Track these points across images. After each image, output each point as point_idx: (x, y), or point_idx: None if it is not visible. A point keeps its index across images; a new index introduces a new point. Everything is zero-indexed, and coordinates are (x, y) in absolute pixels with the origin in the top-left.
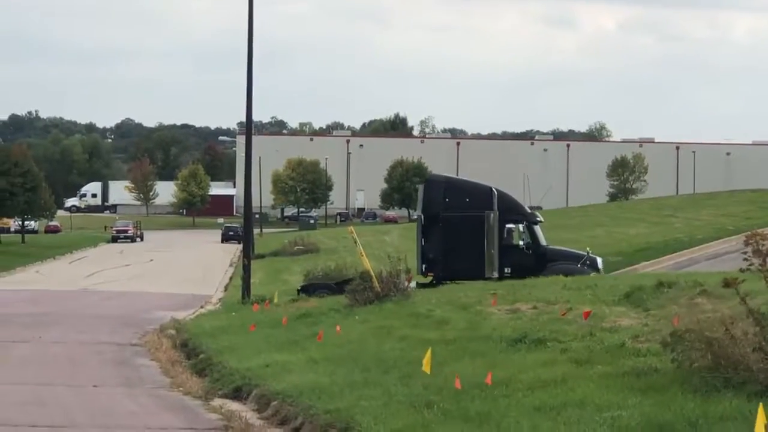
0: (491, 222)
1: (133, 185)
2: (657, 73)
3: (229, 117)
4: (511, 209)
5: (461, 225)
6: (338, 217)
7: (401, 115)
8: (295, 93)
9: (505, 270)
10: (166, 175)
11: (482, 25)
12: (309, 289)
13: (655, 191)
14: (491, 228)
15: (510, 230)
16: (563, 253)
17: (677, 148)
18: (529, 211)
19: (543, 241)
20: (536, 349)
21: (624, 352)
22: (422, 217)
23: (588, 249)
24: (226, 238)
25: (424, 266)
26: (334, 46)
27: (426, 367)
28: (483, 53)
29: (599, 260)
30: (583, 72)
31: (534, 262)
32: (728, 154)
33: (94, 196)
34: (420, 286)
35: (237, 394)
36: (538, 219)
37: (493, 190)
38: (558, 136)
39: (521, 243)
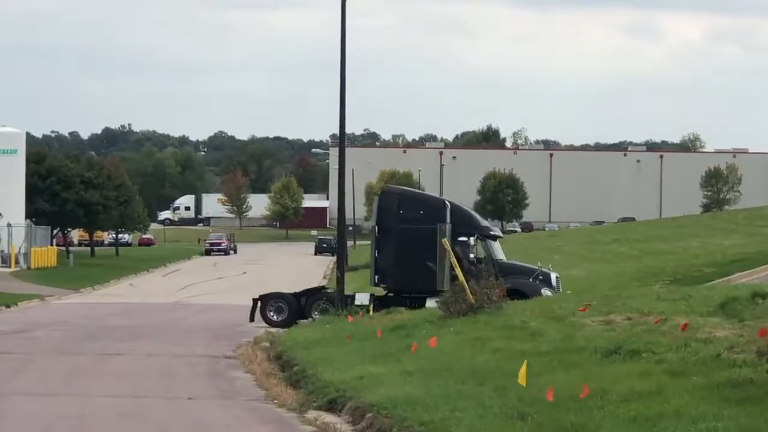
0: (444, 235)
1: (226, 198)
2: (746, 83)
3: (322, 129)
4: (464, 222)
5: (414, 237)
6: None
7: (493, 126)
8: (387, 105)
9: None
10: (260, 188)
11: (566, 35)
12: (265, 298)
13: (748, 202)
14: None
15: (463, 243)
16: (517, 268)
17: None
18: (483, 224)
19: (497, 256)
20: (631, 361)
21: (719, 363)
22: (376, 228)
23: (539, 263)
24: (319, 251)
25: (376, 277)
26: (422, 57)
27: (522, 379)
28: (569, 63)
29: (553, 275)
30: (673, 82)
31: (487, 276)
32: None
33: (187, 209)
34: (376, 298)
35: (331, 406)
36: (492, 233)
37: (446, 202)
38: (651, 147)
39: (472, 256)
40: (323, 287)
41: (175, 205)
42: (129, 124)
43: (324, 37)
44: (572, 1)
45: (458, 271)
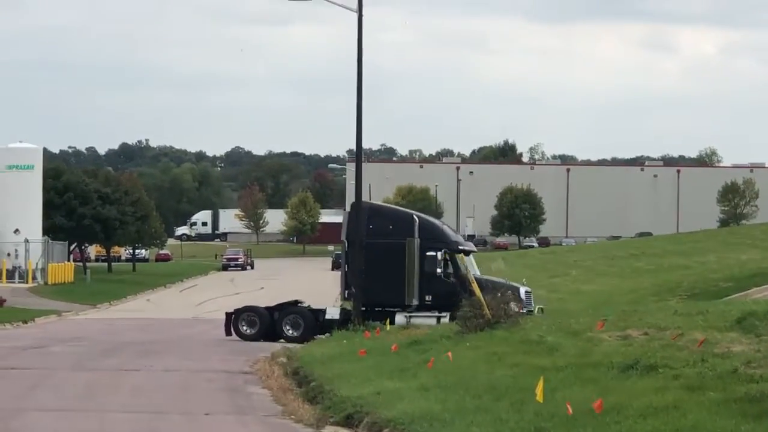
0: (412, 249)
1: (243, 213)
2: (763, 97)
3: (339, 144)
4: (432, 237)
5: (383, 252)
6: None
7: (510, 141)
8: (403, 120)
9: (426, 298)
10: (276, 203)
11: (582, 50)
12: (238, 312)
13: (766, 216)
14: (412, 255)
15: (431, 258)
16: (486, 283)
17: None
18: (453, 239)
19: (467, 270)
20: (648, 376)
21: (736, 378)
22: (346, 243)
23: (506, 278)
24: (337, 266)
25: (346, 292)
26: (439, 72)
27: (539, 395)
28: (584, 77)
29: (523, 290)
30: (690, 96)
31: (454, 290)
32: None
33: (204, 224)
34: (347, 312)
35: (348, 422)
36: (462, 248)
37: (415, 217)
38: (668, 161)
39: (438, 271)
40: (297, 302)
41: (192, 221)
42: (146, 140)
43: (340, 52)
44: (588, 16)
45: (475, 287)
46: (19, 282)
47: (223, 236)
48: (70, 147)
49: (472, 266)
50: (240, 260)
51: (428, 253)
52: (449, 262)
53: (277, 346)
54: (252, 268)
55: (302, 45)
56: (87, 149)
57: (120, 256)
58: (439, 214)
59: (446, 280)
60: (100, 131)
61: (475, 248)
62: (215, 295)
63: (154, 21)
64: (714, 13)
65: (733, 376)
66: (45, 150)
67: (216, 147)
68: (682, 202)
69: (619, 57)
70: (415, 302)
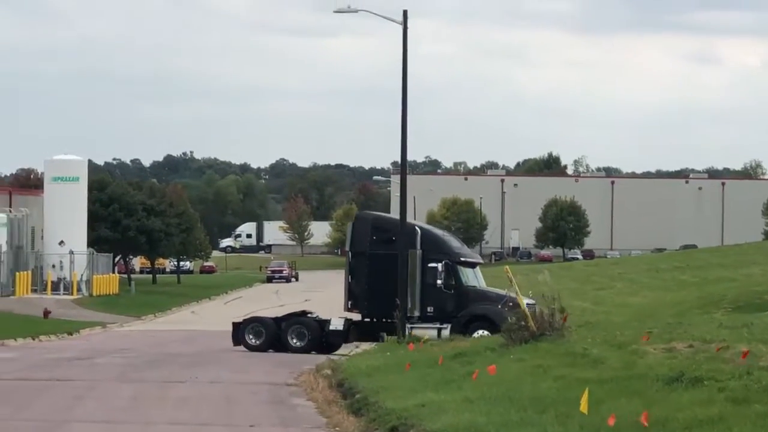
0: (414, 260)
1: (287, 225)
2: None
3: (384, 157)
4: (434, 248)
5: (386, 263)
6: (493, 256)
7: (554, 153)
8: (448, 132)
9: (428, 309)
10: (321, 215)
11: (625, 62)
12: (246, 322)
13: None
14: (414, 267)
15: (432, 269)
16: (487, 295)
17: None
18: (455, 251)
19: (470, 282)
20: (693, 388)
21: None
22: (350, 253)
23: (507, 290)
24: None
25: (350, 303)
26: (483, 84)
27: (583, 407)
28: (629, 90)
29: (524, 302)
30: (734, 108)
31: (455, 302)
32: None
33: (249, 236)
34: (352, 323)
35: None
36: (464, 259)
37: (417, 228)
38: (713, 174)
39: (439, 282)
40: (306, 312)
41: (236, 233)
42: (191, 152)
43: (384, 64)
44: (630, 29)
45: (520, 299)
46: (64, 294)
47: (268, 248)
48: (114, 159)
49: (476, 278)
50: (285, 272)
51: (429, 265)
52: (451, 274)
53: (321, 358)
54: (297, 280)
55: (347, 56)
56: (132, 161)
57: (164, 268)
58: (483, 227)
59: (447, 291)
60: (144, 143)
61: (481, 260)
62: (260, 307)
63: (201, 32)
64: (758, 26)
65: None
66: (90, 162)
67: (260, 159)
68: (726, 215)
69: (662, 69)
70: (416, 313)
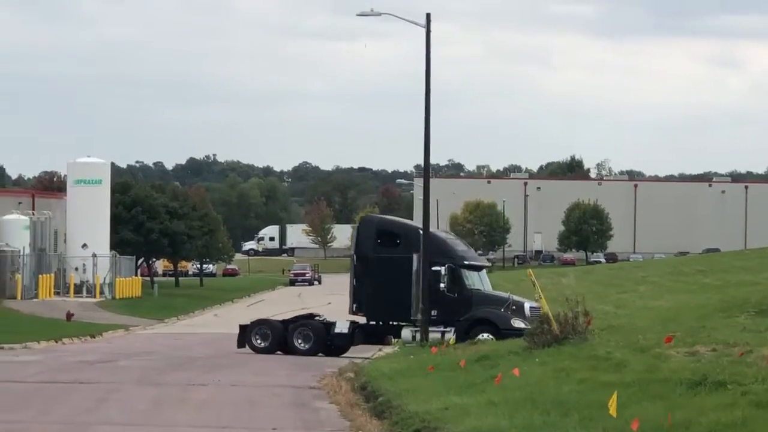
0: (418, 264)
1: (310, 228)
2: None
3: (407, 160)
4: (438, 251)
5: (390, 266)
6: (516, 259)
7: (577, 157)
8: (471, 135)
9: (432, 313)
10: (344, 218)
11: (648, 65)
12: (252, 325)
13: None
14: (418, 270)
15: (436, 273)
16: (490, 298)
17: None
18: (459, 254)
19: (474, 285)
20: (716, 392)
21: None
22: (355, 257)
23: (509, 293)
24: None
25: (354, 306)
26: (506, 87)
27: (612, 410)
28: (651, 93)
29: (527, 305)
30: (757, 112)
31: (458, 305)
32: None
33: (271, 239)
34: (357, 326)
35: None
36: (468, 263)
37: (421, 231)
38: (736, 177)
39: (442, 286)
40: (313, 315)
41: (259, 236)
42: (213, 155)
43: (407, 67)
44: (652, 32)
45: (543, 302)
46: (86, 296)
47: (290, 251)
48: (137, 162)
49: (482, 281)
50: (307, 275)
51: (434, 268)
52: (455, 277)
53: (344, 361)
54: (319, 283)
55: (370, 59)
56: (154, 164)
57: (187, 270)
58: (506, 230)
59: (451, 295)
60: (167, 146)
61: (486, 263)
62: (282, 310)
63: (223, 35)
64: None
65: None
66: (113, 165)
67: (283, 162)
68: (749, 218)
69: (685, 72)
70: (420, 317)
